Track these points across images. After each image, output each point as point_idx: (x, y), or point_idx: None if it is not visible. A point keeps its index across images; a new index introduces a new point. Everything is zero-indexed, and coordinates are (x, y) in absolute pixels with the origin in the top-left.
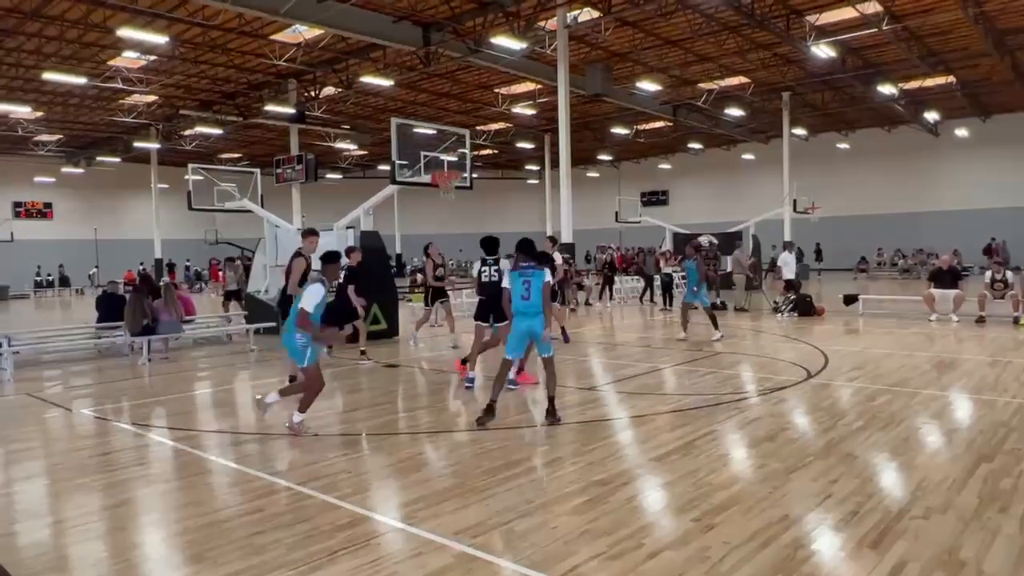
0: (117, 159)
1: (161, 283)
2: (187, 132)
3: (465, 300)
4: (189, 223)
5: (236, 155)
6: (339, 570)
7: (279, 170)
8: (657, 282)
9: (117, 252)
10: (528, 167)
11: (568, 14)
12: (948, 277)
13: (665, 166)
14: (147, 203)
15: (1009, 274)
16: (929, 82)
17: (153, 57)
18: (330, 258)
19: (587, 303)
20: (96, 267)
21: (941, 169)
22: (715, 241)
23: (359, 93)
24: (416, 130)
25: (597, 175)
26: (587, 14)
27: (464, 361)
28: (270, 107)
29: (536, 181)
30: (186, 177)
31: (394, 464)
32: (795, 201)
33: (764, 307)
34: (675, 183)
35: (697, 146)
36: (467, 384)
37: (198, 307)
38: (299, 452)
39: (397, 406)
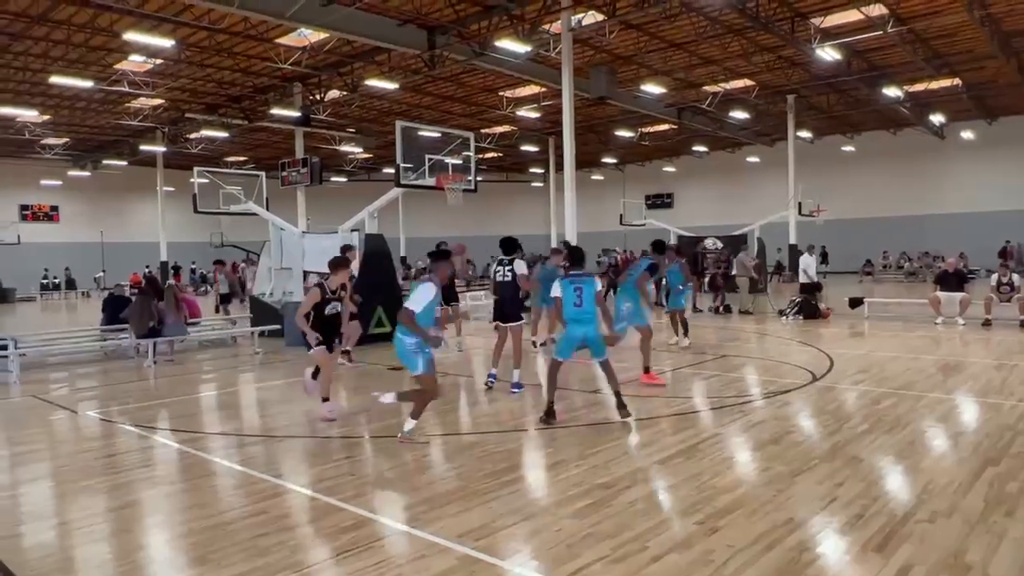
0: (123, 162)
1: (165, 285)
2: (193, 135)
3: (469, 302)
4: (195, 226)
5: (242, 158)
6: (343, 572)
7: (284, 173)
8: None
9: (123, 255)
10: (532, 170)
11: (572, 17)
12: (954, 280)
13: (670, 169)
14: (153, 206)
15: (1016, 277)
16: (934, 84)
17: (159, 61)
18: (440, 255)
19: None
20: (103, 270)
21: (947, 172)
22: (720, 244)
23: (364, 96)
24: (421, 133)
25: (601, 178)
26: (591, 17)
27: (647, 370)
28: (275, 110)
29: (540, 184)
30: (192, 180)
31: (398, 467)
32: (800, 204)
33: (768, 310)
34: (680, 186)
35: (702, 149)
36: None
37: (203, 310)
38: (304, 454)
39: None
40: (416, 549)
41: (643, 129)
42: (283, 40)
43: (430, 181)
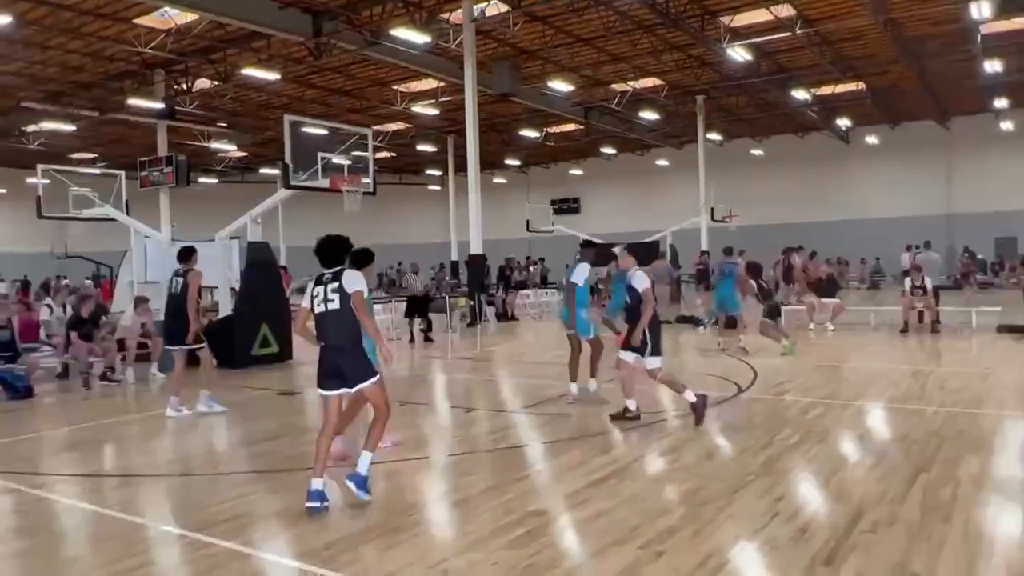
0: None
1: None
2: (30, 128)
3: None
4: (36, 234)
5: (91, 155)
6: None
7: (144, 173)
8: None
9: None
10: (429, 171)
11: (475, 7)
12: (826, 286)
13: (577, 171)
14: None
15: (928, 280)
16: (840, 88)
17: None
18: (589, 244)
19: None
20: None
21: (853, 177)
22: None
23: (238, 87)
24: (311, 129)
25: (504, 181)
26: (495, 7)
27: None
28: (133, 100)
29: (438, 187)
30: (32, 180)
31: (304, 503)
32: (712, 209)
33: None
34: (587, 190)
35: (610, 151)
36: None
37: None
38: (189, 493)
39: (302, 438)
40: None
41: (548, 129)
42: (143, 20)
43: (323, 182)
